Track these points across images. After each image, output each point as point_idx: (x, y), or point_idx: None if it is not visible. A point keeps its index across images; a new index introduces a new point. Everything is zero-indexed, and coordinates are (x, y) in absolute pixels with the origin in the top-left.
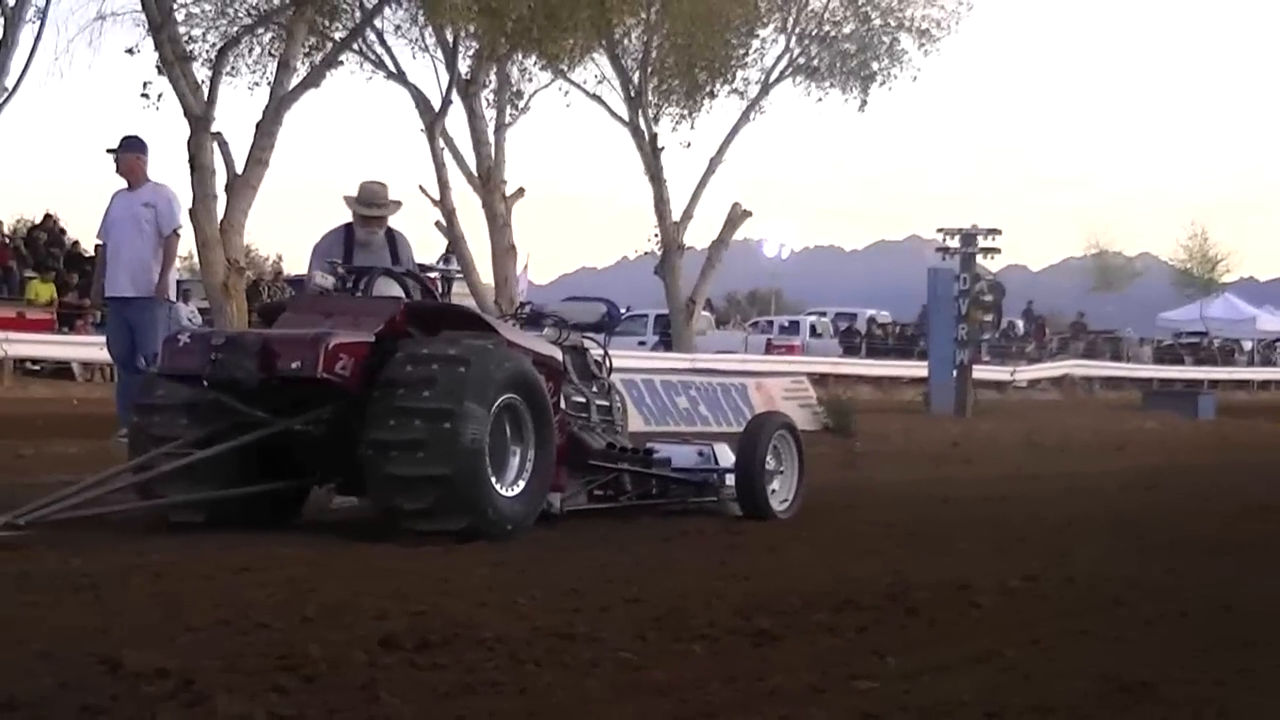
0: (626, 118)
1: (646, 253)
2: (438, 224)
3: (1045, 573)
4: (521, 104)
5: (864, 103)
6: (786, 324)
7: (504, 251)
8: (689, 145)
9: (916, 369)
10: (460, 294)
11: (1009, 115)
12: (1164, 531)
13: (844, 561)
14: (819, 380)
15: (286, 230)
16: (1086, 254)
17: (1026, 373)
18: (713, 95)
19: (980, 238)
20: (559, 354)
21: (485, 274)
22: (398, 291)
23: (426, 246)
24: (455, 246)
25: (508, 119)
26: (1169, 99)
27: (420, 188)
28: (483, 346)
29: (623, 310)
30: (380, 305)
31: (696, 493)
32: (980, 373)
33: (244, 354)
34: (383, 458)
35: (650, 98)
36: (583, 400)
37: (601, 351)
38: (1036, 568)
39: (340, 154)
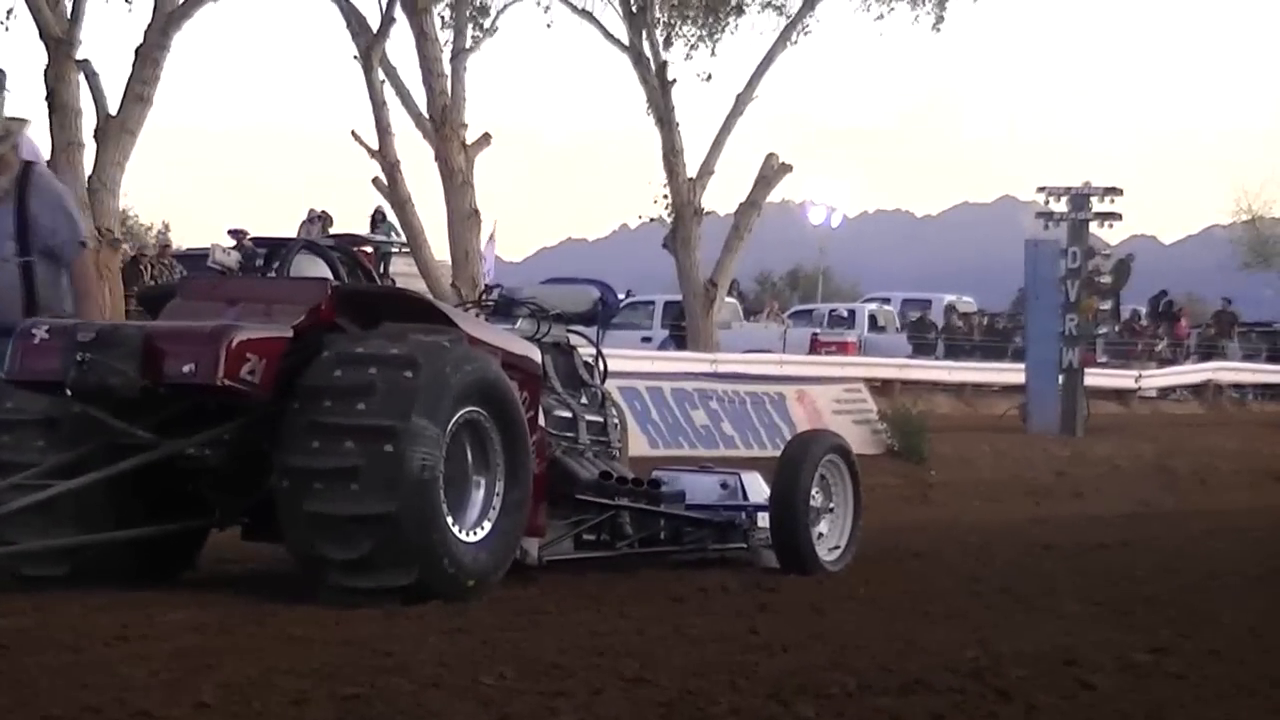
0: (627, 41)
1: (652, 219)
2: (376, 181)
3: (1179, 644)
4: (487, 24)
5: (939, 20)
6: (838, 314)
7: (464, 218)
8: (709, 78)
9: (1010, 373)
10: (405, 274)
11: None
12: None
13: (913, 628)
14: (881, 388)
15: (176, 190)
16: (1235, 221)
17: (1156, 378)
18: (740, 11)
19: (1095, 200)
20: (537, 354)
21: (439, 248)
22: (324, 271)
23: (359, 212)
24: (398, 211)
25: (468, 43)
26: None
27: (353, 134)
28: (436, 344)
29: (621, 296)
30: (301, 289)
31: (719, 537)
32: (1095, 378)
33: (121, 354)
34: (302, 491)
35: (658, 14)
36: (568, 415)
37: (593, 350)
38: (1168, 637)
39: (250, 91)
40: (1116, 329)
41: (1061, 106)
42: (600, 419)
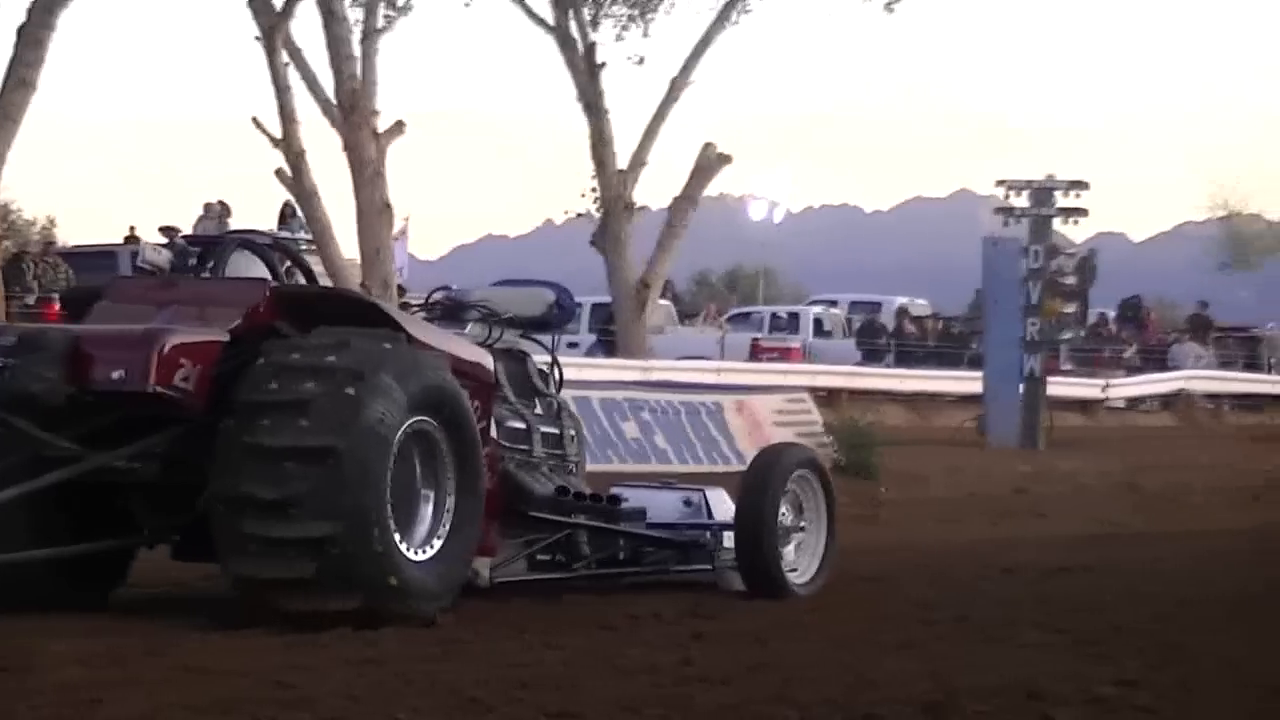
0: (552, 21)
1: (579, 215)
2: (279, 173)
3: (1149, 677)
4: (400, 2)
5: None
6: (781, 317)
7: (375, 212)
8: (641, 62)
9: (967, 382)
10: (317, 273)
11: (1099, 25)
12: None
13: (862, 658)
14: (827, 398)
15: (63, 183)
16: (1210, 218)
17: (1124, 387)
18: None
19: (1059, 194)
20: (489, 360)
21: (348, 244)
22: (261, 271)
23: (262, 205)
24: (303, 204)
25: (380, 23)
26: None
27: (254, 121)
28: (380, 348)
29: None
30: (237, 290)
31: (682, 558)
32: (1058, 387)
33: (44, 359)
34: (238, 515)
35: None
36: (522, 426)
37: (548, 358)
38: (1136, 669)
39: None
40: (1082, 334)
41: (1023, 94)
42: (556, 431)
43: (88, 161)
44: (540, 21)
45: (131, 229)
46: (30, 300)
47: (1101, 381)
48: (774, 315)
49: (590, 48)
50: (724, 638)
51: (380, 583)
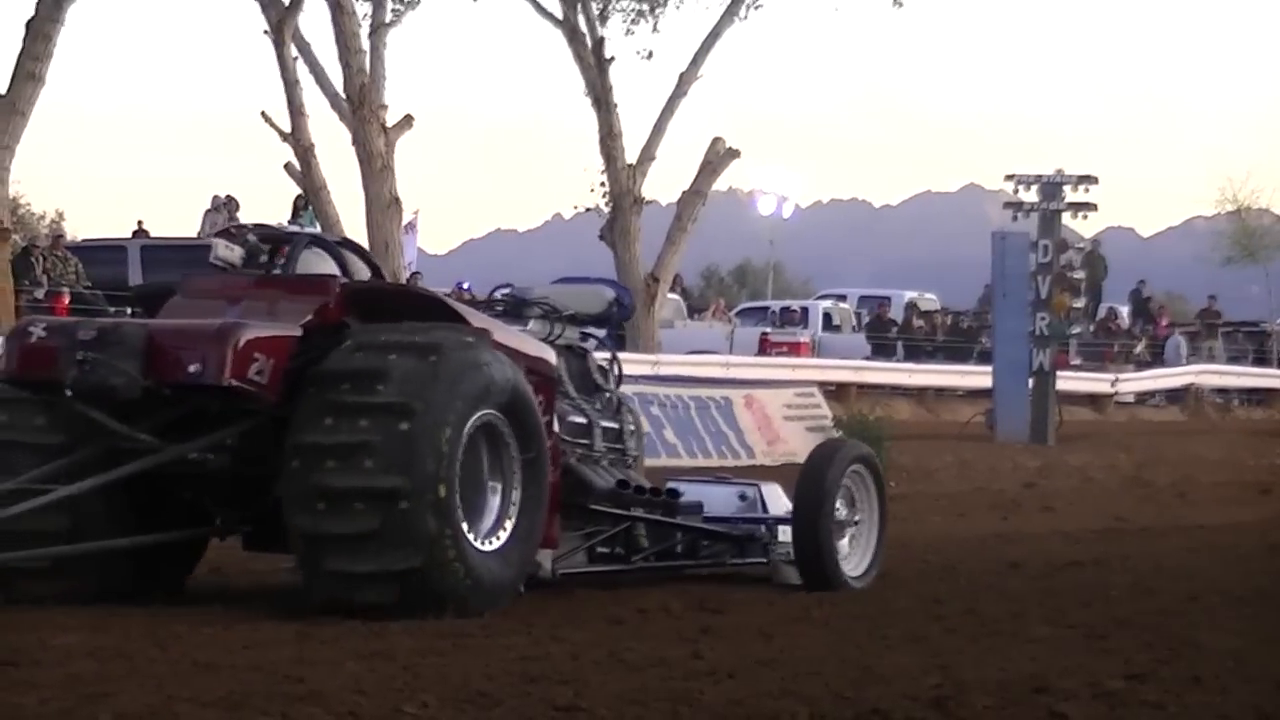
0: (560, 15)
1: (588, 209)
2: (288, 167)
3: (1157, 671)
4: None
5: None
6: (790, 312)
7: (383, 206)
8: (650, 56)
9: (976, 376)
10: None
11: (1109, 20)
12: None
13: (870, 653)
14: (836, 392)
15: (72, 177)
16: (1220, 213)
17: (1134, 382)
18: None
19: (1068, 188)
20: (553, 356)
21: (356, 238)
22: (330, 267)
23: (271, 199)
24: (312, 199)
25: (389, 17)
26: None
27: (264, 115)
28: (458, 338)
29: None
30: (308, 286)
31: (738, 551)
32: (1068, 382)
33: (123, 353)
34: (312, 467)
35: None
36: (583, 421)
37: (608, 355)
38: (1145, 663)
39: (152, 68)
40: (1091, 328)
41: (1032, 88)
42: (616, 425)
43: (96, 155)
44: (549, 16)
45: (140, 223)
46: (39, 294)
47: (1110, 376)
48: (783, 310)
49: (599, 42)
50: (732, 632)
51: (441, 548)
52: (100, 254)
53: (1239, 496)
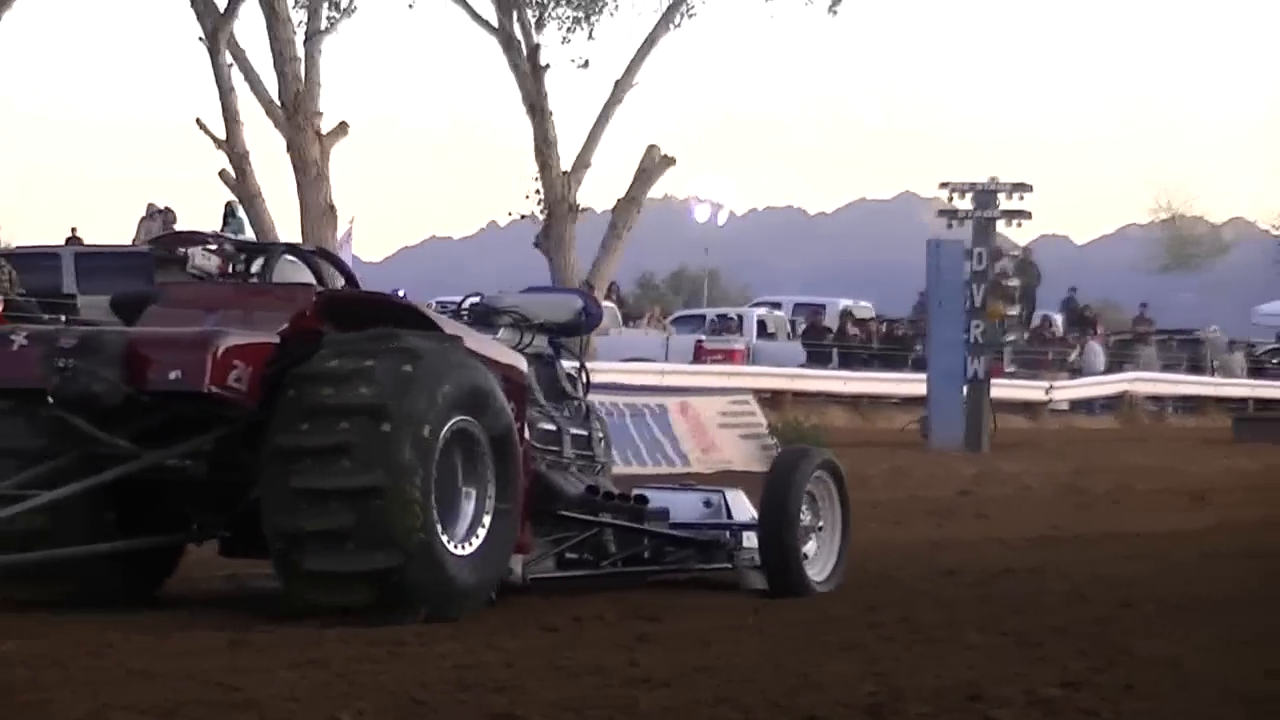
0: (496, 23)
1: (523, 217)
2: (223, 174)
3: (1092, 679)
4: (344, 2)
5: (836, 1)
6: (725, 319)
7: (319, 214)
8: (586, 64)
9: (911, 384)
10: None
11: (1041, 26)
12: (1264, 618)
13: (806, 660)
14: (771, 400)
15: (4, 184)
16: (1153, 220)
17: (1068, 389)
18: None
19: (1002, 196)
20: (524, 364)
21: None
22: (306, 276)
23: (209, 207)
24: (246, 205)
25: (323, 24)
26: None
27: (198, 122)
28: (433, 345)
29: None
30: (284, 295)
31: (703, 557)
32: (1002, 390)
33: (104, 360)
34: (289, 469)
35: None
36: (552, 428)
37: (576, 362)
38: (1080, 670)
39: (84, 74)
40: (1025, 336)
41: (967, 96)
42: (584, 433)
43: (28, 160)
44: (484, 23)
45: (73, 230)
46: None
47: (1045, 384)
48: (718, 317)
49: (534, 50)
50: (668, 639)
51: (416, 547)
52: (33, 261)
53: (1174, 504)
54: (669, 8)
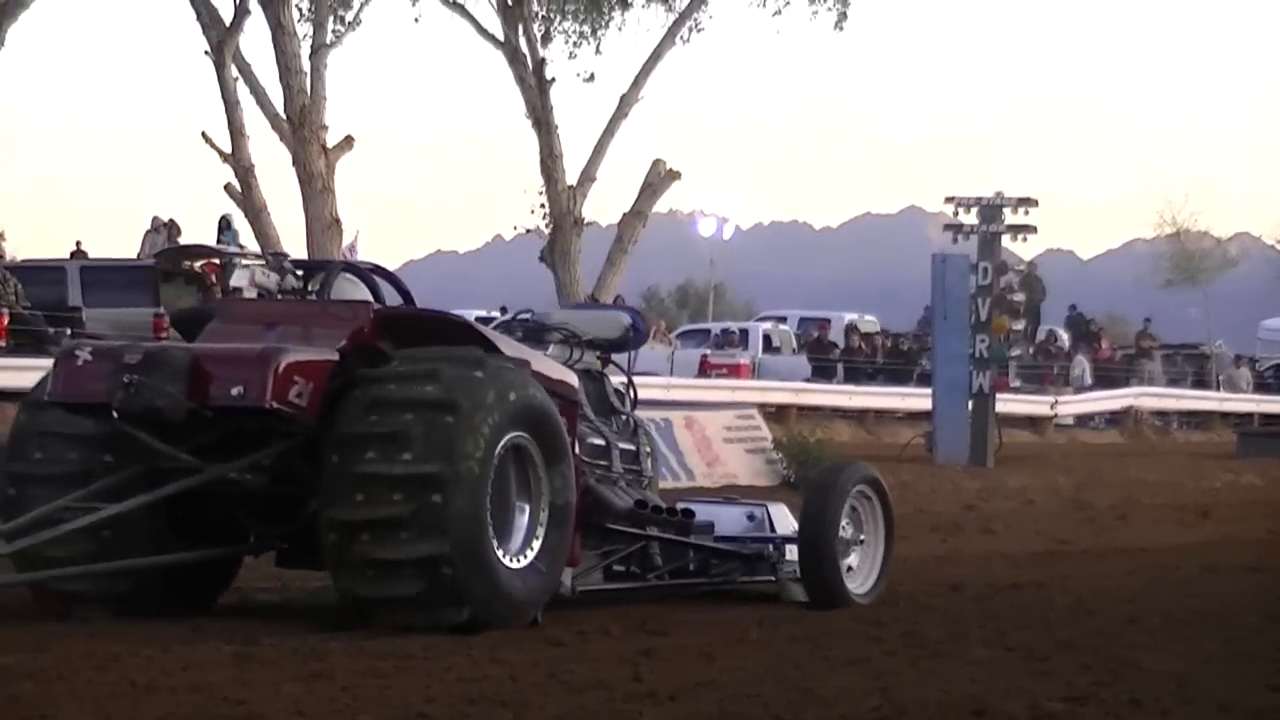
0: (502, 37)
1: (529, 230)
2: (228, 187)
3: (1097, 693)
4: (349, 17)
5: (842, 17)
6: (731, 334)
7: (324, 227)
8: (591, 78)
9: (916, 398)
10: (262, 287)
11: (1048, 43)
12: (1268, 632)
13: (810, 674)
14: (776, 414)
15: (10, 197)
16: (1158, 235)
17: (1073, 404)
18: (626, 5)
19: (1007, 211)
20: (575, 380)
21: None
22: (364, 293)
23: (211, 220)
24: (252, 219)
25: (329, 38)
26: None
27: (204, 136)
28: (495, 361)
29: (495, 313)
30: (342, 312)
31: (747, 569)
32: (1007, 404)
33: (168, 376)
34: (350, 540)
35: (536, 8)
36: (601, 443)
37: (624, 378)
38: (1085, 685)
39: (91, 88)
40: (1030, 351)
41: (972, 111)
42: (632, 447)
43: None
44: (490, 38)
45: (78, 243)
46: None
47: (1050, 398)
48: (723, 331)
49: (540, 64)
50: (672, 654)
51: (484, 597)
52: (39, 274)
53: (1179, 519)
54: (674, 23)
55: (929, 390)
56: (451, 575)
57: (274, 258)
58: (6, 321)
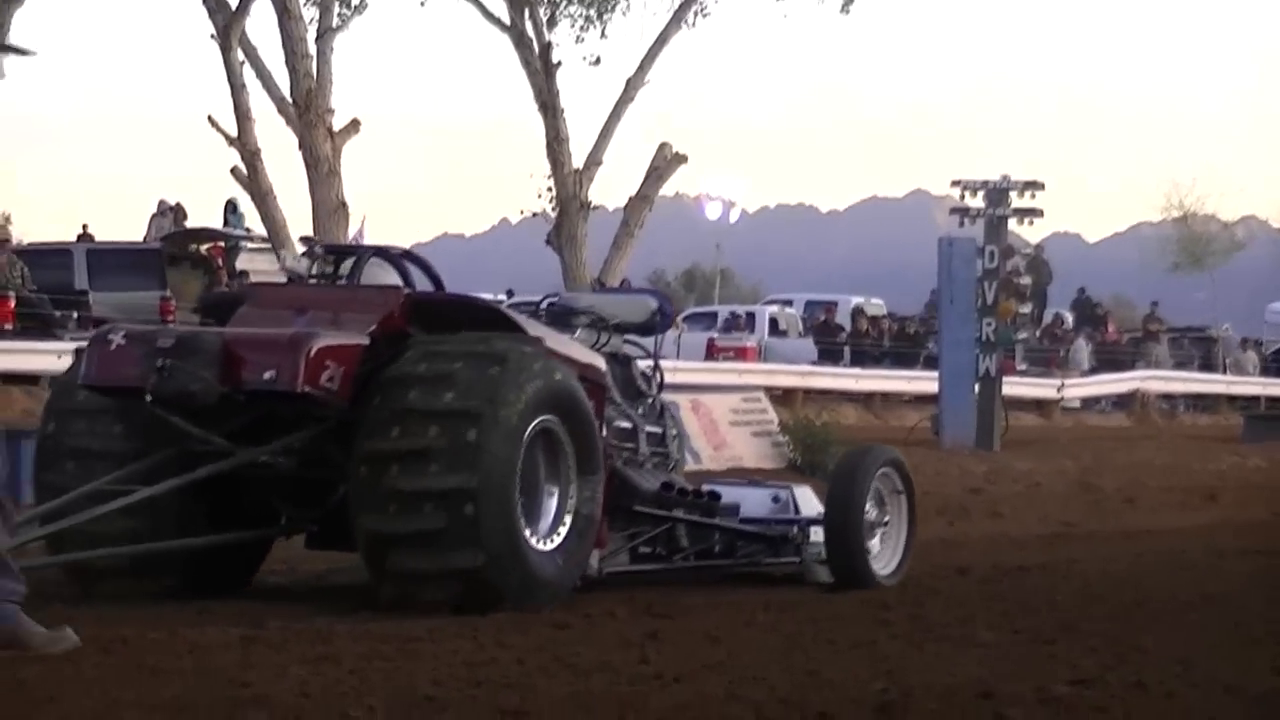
0: (508, 21)
1: (535, 214)
2: (234, 171)
3: (1103, 676)
4: (355, 0)
5: (849, 0)
6: (737, 317)
7: (330, 211)
8: (598, 62)
9: (922, 382)
10: (264, 271)
11: (1055, 24)
12: (1275, 615)
13: (816, 658)
14: (783, 397)
15: (18, 180)
16: (1165, 218)
17: (1080, 387)
18: None
19: (1014, 194)
20: (603, 364)
21: None
22: (394, 279)
23: (217, 204)
24: (258, 203)
25: (335, 22)
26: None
27: (210, 119)
28: (518, 348)
29: (501, 296)
30: (373, 297)
31: (772, 551)
32: (1013, 387)
33: (201, 361)
34: (380, 472)
35: None
36: (629, 426)
37: (650, 362)
38: (1091, 668)
39: (97, 72)
40: (1037, 334)
41: (979, 94)
42: (659, 430)
43: (40, 158)
44: (496, 21)
45: (85, 227)
46: None
47: (1056, 381)
48: (730, 315)
49: (546, 47)
50: (679, 636)
51: (504, 546)
52: (45, 258)
53: (1186, 502)
54: (680, 6)
55: (935, 373)
56: (489, 580)
57: (304, 241)
58: (13, 305)
